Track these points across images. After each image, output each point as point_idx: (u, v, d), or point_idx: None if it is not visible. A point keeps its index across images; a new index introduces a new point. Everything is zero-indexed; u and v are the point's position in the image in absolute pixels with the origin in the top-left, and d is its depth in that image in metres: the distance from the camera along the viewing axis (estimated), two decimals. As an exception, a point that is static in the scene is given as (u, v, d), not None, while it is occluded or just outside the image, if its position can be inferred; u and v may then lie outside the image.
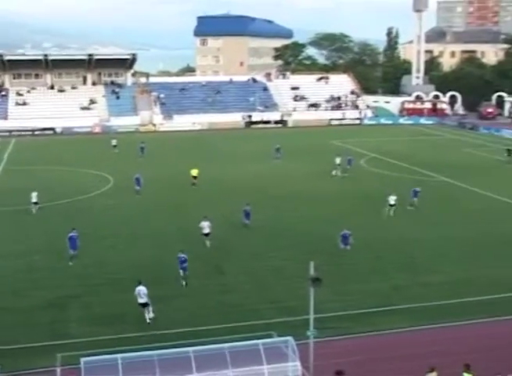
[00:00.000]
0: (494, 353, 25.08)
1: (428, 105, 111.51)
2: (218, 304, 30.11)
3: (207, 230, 38.43)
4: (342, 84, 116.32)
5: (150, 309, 28.17)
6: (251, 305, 29.91)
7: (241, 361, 21.77)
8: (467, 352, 24.67)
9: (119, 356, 21.15)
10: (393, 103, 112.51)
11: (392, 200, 45.59)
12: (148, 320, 27.96)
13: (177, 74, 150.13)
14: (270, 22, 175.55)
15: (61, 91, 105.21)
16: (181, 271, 32.15)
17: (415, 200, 47.53)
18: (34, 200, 46.85)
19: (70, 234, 36.30)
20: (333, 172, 60.45)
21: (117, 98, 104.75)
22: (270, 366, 22.09)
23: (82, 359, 21.08)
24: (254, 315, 28.63)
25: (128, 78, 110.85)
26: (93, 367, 20.71)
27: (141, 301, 28.09)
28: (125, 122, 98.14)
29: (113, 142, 75.14)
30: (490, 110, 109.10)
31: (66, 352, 24.57)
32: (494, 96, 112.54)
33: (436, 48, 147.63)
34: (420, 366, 22.40)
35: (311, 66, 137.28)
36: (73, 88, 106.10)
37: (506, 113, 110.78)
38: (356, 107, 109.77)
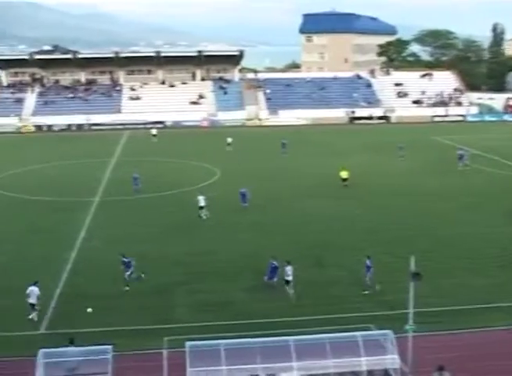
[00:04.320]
0: None
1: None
2: (318, 296, 30.54)
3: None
4: (446, 80, 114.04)
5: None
6: (350, 298, 30.20)
7: (340, 352, 21.93)
8: None
9: (222, 342, 21.73)
10: (497, 100, 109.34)
11: None
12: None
13: (283, 70, 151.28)
14: (374, 19, 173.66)
15: (172, 86, 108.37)
16: (266, 277, 31.44)
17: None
18: (201, 204, 44.78)
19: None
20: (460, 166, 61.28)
21: (225, 93, 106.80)
22: (369, 358, 22.18)
23: (187, 343, 21.75)
24: (353, 307, 28.92)
25: (235, 74, 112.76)
26: (197, 351, 21.29)
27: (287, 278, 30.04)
28: (232, 117, 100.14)
29: (229, 140, 74.89)
30: None
31: (172, 336, 25.66)
32: None
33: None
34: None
35: (415, 63, 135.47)
36: (183, 83, 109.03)
37: None
38: (459, 104, 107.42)
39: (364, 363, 22.29)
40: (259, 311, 28.48)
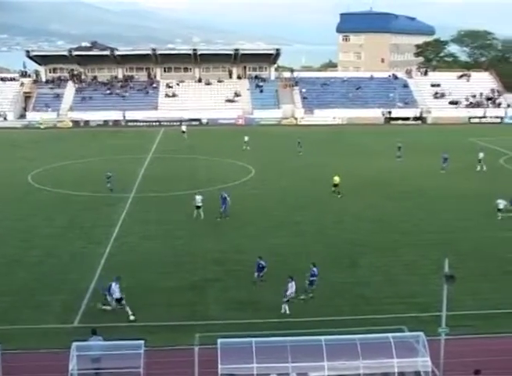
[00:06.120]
0: None
1: None
2: (351, 296, 30.49)
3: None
4: (483, 82, 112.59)
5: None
6: (383, 299, 30.09)
7: (371, 353, 21.84)
8: None
9: (253, 339, 21.78)
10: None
11: (501, 204, 43.62)
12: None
13: (319, 69, 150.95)
14: (412, 19, 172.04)
15: (208, 84, 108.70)
16: (256, 274, 31.85)
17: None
18: (198, 203, 44.34)
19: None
20: (478, 168, 60.79)
21: (261, 91, 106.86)
22: (400, 360, 22.02)
23: (219, 340, 21.84)
24: (385, 308, 28.80)
25: (271, 72, 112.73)
26: (229, 348, 21.39)
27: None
28: (268, 115, 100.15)
29: (246, 138, 74.60)
30: None
31: (204, 333, 25.77)
32: None
33: None
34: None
35: (453, 64, 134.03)
36: (220, 81, 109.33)
37: None
38: (498, 105, 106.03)
39: (395, 364, 22.11)
40: (291, 310, 28.46)
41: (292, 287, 28.63)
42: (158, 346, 24.58)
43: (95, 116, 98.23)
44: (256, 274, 31.78)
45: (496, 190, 51.20)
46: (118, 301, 28.05)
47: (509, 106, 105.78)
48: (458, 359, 23.15)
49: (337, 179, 51.08)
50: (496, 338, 26.04)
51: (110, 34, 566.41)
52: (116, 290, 28.04)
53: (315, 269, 30.12)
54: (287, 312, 28.37)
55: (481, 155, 61.71)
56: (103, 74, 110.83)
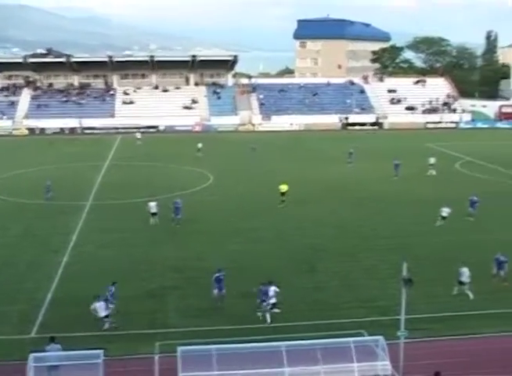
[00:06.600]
0: None
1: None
2: (310, 301, 30.57)
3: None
4: (439, 87, 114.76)
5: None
6: (343, 304, 30.24)
7: (332, 358, 21.94)
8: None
9: (214, 347, 21.71)
10: (490, 107, 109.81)
11: (445, 212, 43.31)
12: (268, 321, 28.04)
13: (276, 76, 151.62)
14: (368, 25, 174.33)
15: (165, 91, 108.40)
16: (216, 291, 29.99)
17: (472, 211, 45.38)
18: (153, 210, 44.05)
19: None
20: (428, 173, 61.59)
21: (218, 98, 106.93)
22: (360, 364, 22.17)
23: (179, 348, 21.72)
24: (345, 313, 28.90)
25: (228, 79, 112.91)
26: (189, 356, 21.29)
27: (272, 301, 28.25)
28: (225, 122, 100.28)
29: (199, 145, 74.29)
30: None
31: (164, 341, 25.54)
32: None
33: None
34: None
35: (409, 70, 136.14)
36: (177, 88, 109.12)
37: None
38: (453, 111, 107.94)
39: (356, 368, 22.26)
40: (250, 316, 28.44)
41: (272, 293, 28.18)
42: (117, 355, 24.31)
43: (51, 123, 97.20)
44: (216, 290, 29.87)
45: (451, 195, 52.08)
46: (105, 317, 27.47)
47: (464, 111, 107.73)
48: (417, 362, 23.38)
49: (284, 188, 49.59)
50: (454, 340, 26.34)
51: (66, 40, 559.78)
52: (102, 308, 27.34)
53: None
54: (268, 320, 27.97)
55: (432, 160, 62.53)
56: (59, 82, 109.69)
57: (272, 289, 28.30)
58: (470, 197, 45.77)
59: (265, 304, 28.19)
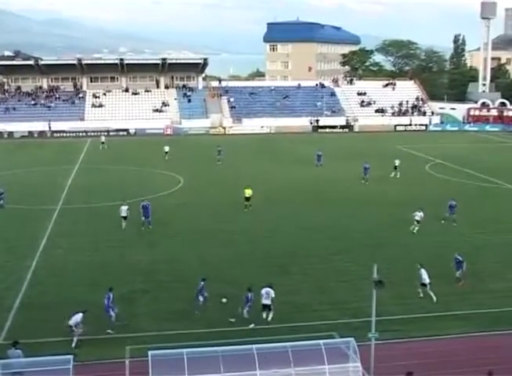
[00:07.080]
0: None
1: (494, 112, 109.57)
2: (281, 304, 30.46)
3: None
4: (408, 90, 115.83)
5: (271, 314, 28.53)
6: (313, 306, 30.32)
7: (303, 360, 22.00)
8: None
9: (184, 350, 21.58)
10: (459, 110, 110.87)
11: (418, 216, 43.01)
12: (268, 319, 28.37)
13: (247, 79, 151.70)
14: (338, 28, 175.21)
15: (135, 94, 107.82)
16: (200, 297, 29.70)
17: (449, 215, 45.36)
18: (123, 214, 43.78)
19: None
20: (392, 174, 62.03)
21: (189, 101, 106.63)
22: (331, 366, 22.19)
23: (150, 352, 21.57)
24: (316, 315, 29.02)
25: (199, 82, 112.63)
26: (160, 360, 21.15)
27: (266, 302, 28.44)
28: (196, 125, 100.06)
29: (166, 148, 73.66)
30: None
31: (135, 345, 25.41)
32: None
33: (503, 55, 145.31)
34: (482, 372, 22.37)
35: (378, 73, 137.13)
36: (147, 91, 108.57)
37: None
38: (423, 114, 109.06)
39: (327, 370, 22.28)
40: (222, 319, 28.35)
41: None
42: (88, 361, 24.11)
43: (20, 127, 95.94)
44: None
45: (421, 196, 52.57)
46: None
47: (433, 114, 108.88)
48: (388, 363, 23.52)
49: (248, 192, 49.05)
50: (424, 341, 26.55)
51: (34, 43, 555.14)
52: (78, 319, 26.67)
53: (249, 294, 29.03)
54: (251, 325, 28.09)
55: (397, 162, 62.85)
56: (27, 85, 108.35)
57: (264, 291, 28.66)
58: (449, 201, 45.83)
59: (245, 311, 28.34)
